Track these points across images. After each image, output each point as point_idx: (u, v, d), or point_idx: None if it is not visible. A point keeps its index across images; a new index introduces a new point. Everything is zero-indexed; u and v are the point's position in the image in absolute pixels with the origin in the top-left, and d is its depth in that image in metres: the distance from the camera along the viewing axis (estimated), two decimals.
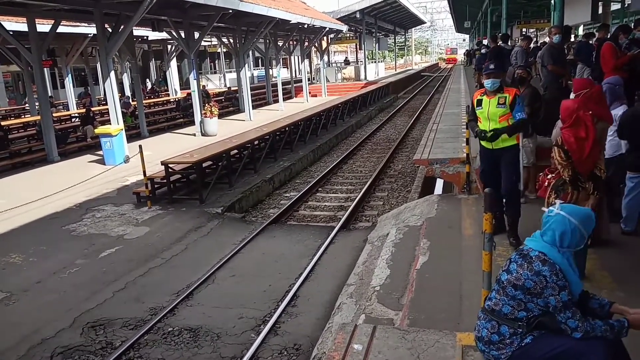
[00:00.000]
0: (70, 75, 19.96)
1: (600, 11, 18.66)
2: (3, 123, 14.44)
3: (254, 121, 17.78)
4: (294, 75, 32.05)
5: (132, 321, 5.22)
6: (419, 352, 2.57)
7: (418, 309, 4.18)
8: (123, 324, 5.17)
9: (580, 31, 25.82)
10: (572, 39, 20.22)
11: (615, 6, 21.10)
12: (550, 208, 2.50)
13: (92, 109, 17.37)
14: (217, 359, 4.55)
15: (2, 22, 12.79)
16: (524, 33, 23.15)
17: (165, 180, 8.96)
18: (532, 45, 11.96)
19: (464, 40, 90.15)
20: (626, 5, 19.79)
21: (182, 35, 15.68)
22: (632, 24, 9.84)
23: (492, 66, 5.13)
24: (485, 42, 23.78)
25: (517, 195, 5.26)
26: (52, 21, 13.53)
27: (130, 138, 14.78)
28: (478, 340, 2.54)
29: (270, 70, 27.21)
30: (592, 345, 2.32)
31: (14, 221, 7.94)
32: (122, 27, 11.79)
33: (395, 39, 61.38)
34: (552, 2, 8.97)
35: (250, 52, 34.47)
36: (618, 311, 2.49)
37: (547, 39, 10.26)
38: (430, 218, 6.45)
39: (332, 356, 2.61)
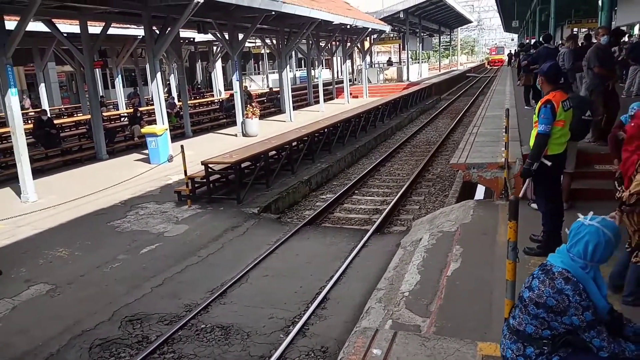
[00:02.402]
0: (120, 75, 20.77)
1: None
2: (56, 121, 15.21)
3: (294, 122, 17.96)
4: (335, 76, 32.10)
5: (168, 317, 5.40)
6: None
7: (446, 317, 4.15)
8: (159, 319, 5.36)
9: (636, 30, 24.66)
10: (626, 40, 19.35)
11: None
12: (579, 220, 2.41)
13: (140, 108, 18.02)
14: (246, 358, 4.65)
15: (57, 25, 13.49)
16: (573, 32, 22.27)
17: (205, 180, 9.20)
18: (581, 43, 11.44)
19: (512, 40, 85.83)
20: None
21: (226, 36, 16.06)
22: None
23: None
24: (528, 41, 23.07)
25: (543, 204, 5.08)
26: (103, 23, 14.13)
27: (175, 138, 15.27)
28: (504, 359, 2.49)
29: (312, 71, 27.40)
30: None
31: (63, 216, 8.36)
32: (169, 29, 12.21)
33: (440, 39, 60.43)
34: (600, 2, 8.61)
35: (293, 53, 34.80)
36: None
37: (594, 40, 9.87)
38: (465, 224, 6.35)
39: (350, 359, 2.63)
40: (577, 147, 7.17)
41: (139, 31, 18.66)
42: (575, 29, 29.04)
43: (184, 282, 6.17)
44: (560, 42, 19.73)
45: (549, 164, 4.83)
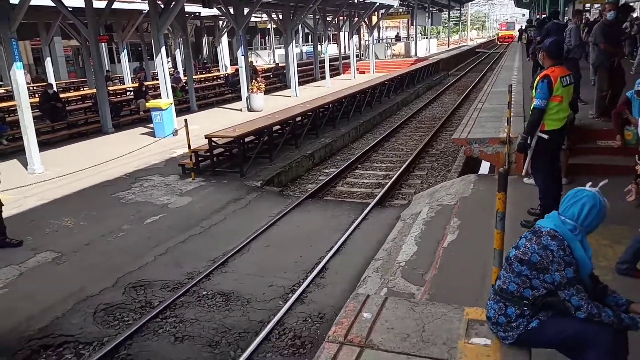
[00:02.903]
0: (125, 50, 20.72)
1: None
2: (62, 95, 15.27)
3: (299, 97, 17.91)
4: (342, 51, 31.78)
5: (171, 284, 5.55)
6: (424, 323, 2.64)
7: (439, 286, 4.25)
8: (162, 286, 5.51)
9: None
10: (638, 15, 18.97)
11: None
12: (582, 188, 2.47)
13: (146, 83, 18.02)
14: (246, 322, 4.79)
15: None
16: (576, 9, 21.79)
17: (208, 154, 9.28)
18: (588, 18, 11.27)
19: (523, 15, 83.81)
20: None
21: (232, 11, 15.93)
22: None
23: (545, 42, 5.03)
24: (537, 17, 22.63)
25: (540, 179, 5.11)
26: None
27: (180, 112, 15.31)
28: (487, 319, 2.56)
29: (319, 46, 27.16)
30: (600, 332, 2.28)
31: (69, 187, 8.49)
32: (173, 3, 12.10)
33: (449, 14, 59.44)
34: None
35: (300, 28, 34.45)
36: (636, 311, 2.41)
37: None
38: (464, 197, 6.41)
39: (341, 322, 2.73)
40: (581, 123, 7.17)
41: (144, 5, 18.53)
42: (588, 5, 28.45)
43: (187, 252, 6.30)
44: (568, 18, 19.38)
45: (546, 137, 4.84)
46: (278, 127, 11.15)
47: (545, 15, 22.36)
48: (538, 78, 4.80)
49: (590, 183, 2.50)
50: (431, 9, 45.15)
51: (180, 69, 22.18)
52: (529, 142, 4.86)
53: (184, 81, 18.32)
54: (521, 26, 44.79)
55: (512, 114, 7.25)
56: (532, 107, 4.85)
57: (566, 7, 22.70)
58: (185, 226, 7.05)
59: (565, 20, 14.09)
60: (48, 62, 18.84)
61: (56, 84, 17.78)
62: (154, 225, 7.08)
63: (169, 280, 5.62)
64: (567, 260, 2.30)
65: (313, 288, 5.36)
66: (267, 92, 18.45)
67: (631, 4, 16.04)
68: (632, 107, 6.57)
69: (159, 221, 7.23)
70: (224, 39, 27.60)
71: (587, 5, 27.93)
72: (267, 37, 41.57)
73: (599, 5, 29.63)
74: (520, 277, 2.40)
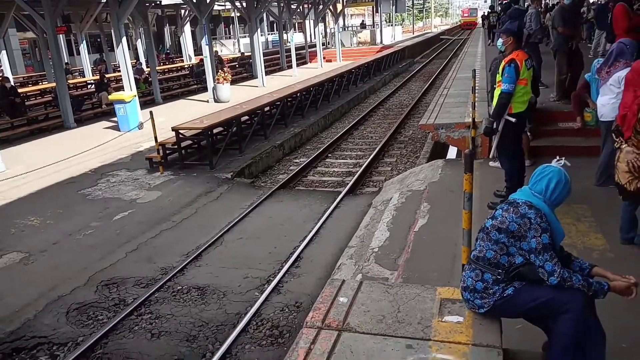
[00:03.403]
0: (84, 41, 20.09)
1: None
2: (20, 90, 14.74)
3: (266, 87, 17.79)
4: (308, 40, 31.64)
5: (144, 280, 5.50)
6: (399, 304, 2.71)
7: (412, 269, 4.35)
8: (135, 283, 5.45)
9: None
10: (594, 0, 19.55)
11: None
12: (548, 164, 2.58)
13: (107, 75, 17.56)
14: (223, 315, 4.80)
15: None
16: None
17: (176, 147, 9.15)
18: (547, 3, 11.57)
19: (485, 1, 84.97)
20: None
21: None
22: None
23: (503, 27, 5.16)
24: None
25: (506, 161, 5.27)
26: None
27: (145, 104, 15.01)
28: (463, 290, 2.64)
29: (284, 34, 26.95)
30: (570, 297, 2.41)
31: (32, 186, 8.24)
32: None
33: (413, 1, 59.81)
34: None
35: (265, 17, 34.08)
36: (598, 274, 2.57)
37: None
38: (433, 182, 6.54)
39: (318, 307, 2.77)
40: (543, 106, 7.40)
41: None
42: None
43: (159, 247, 6.24)
44: (528, 3, 19.81)
45: (514, 120, 4.98)
46: (246, 117, 11.07)
47: (506, 1, 22.80)
48: (504, 63, 4.90)
49: (557, 158, 2.61)
50: None
51: (142, 59, 21.69)
52: (495, 126, 4.98)
53: (147, 72, 17.91)
54: (484, 12, 45.42)
55: (476, 98, 7.41)
56: (499, 92, 4.96)
57: None
58: (155, 221, 6.97)
59: (525, 5, 14.40)
60: (3, 56, 18.06)
61: (13, 78, 17.13)
62: (123, 221, 6.97)
63: (142, 276, 5.56)
64: (544, 227, 2.43)
65: (289, 278, 5.41)
66: (233, 82, 18.24)
67: None
68: (591, 89, 6.83)
69: (128, 217, 7.11)
70: (187, 29, 27.05)
71: None
72: (231, 26, 40.96)
73: None
74: (497, 244, 2.51)
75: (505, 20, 12.33)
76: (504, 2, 23.09)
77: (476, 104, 7.29)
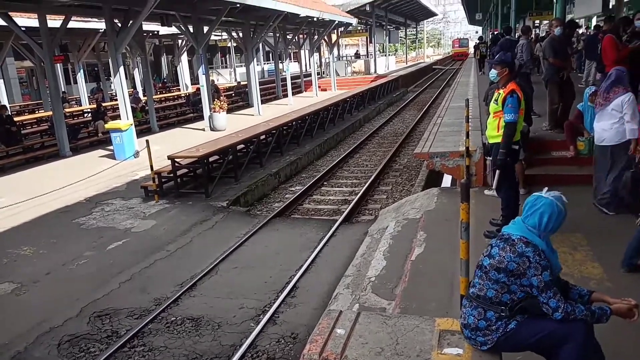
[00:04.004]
0: (82, 70, 20.28)
1: (613, 2, 18.42)
2: (16, 119, 14.77)
3: (262, 116, 17.93)
4: (303, 69, 32.09)
5: (137, 311, 5.41)
6: (398, 336, 2.68)
7: (410, 299, 4.31)
8: (128, 314, 5.36)
9: (594, 22, 25.52)
10: (584, 31, 20.03)
11: None
12: (538, 194, 2.59)
13: (104, 104, 17.66)
14: (217, 347, 4.71)
15: (14, 19, 13.07)
16: (525, 25, 22.79)
17: (172, 175, 9.14)
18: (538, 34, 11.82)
19: (476, 32, 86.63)
20: None
21: (191, 29, 15.88)
22: (632, 16, 9.73)
23: (495, 58, 5.27)
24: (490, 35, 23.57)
25: (503, 189, 5.28)
26: (63, 17, 13.75)
27: (141, 133, 15.04)
28: (464, 327, 2.62)
29: (280, 64, 27.31)
30: (573, 327, 2.41)
31: (26, 215, 8.18)
32: (130, 22, 11.99)
33: (406, 31, 61.04)
34: None
35: (261, 47, 34.59)
36: (598, 300, 2.58)
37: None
38: (429, 211, 6.55)
39: (315, 339, 2.74)
40: (536, 135, 7.51)
41: (100, 24, 18.22)
42: (537, 21, 29.82)
43: (153, 277, 6.17)
44: (519, 34, 20.27)
45: (517, 147, 5.08)
46: (242, 146, 11.12)
47: (498, 32, 23.35)
48: (504, 93, 4.96)
49: (546, 189, 2.62)
50: (388, 27, 46.28)
51: (139, 88, 21.86)
52: (495, 156, 5.04)
53: (143, 101, 18.04)
54: (475, 43, 46.27)
55: (470, 127, 7.49)
56: (497, 123, 5.03)
57: (517, 23, 23.72)
58: (150, 250, 6.90)
59: (516, 36, 14.72)
60: (1, 84, 18.18)
61: (10, 106, 17.18)
62: (117, 251, 6.90)
63: (136, 307, 5.48)
64: (544, 265, 2.43)
65: (284, 308, 5.34)
66: (229, 111, 18.39)
67: (577, 21, 16.92)
68: (584, 118, 6.94)
69: (122, 246, 7.05)
70: (184, 58, 27.41)
71: (537, 21, 29.30)
72: (227, 56, 41.51)
73: (546, 21, 31.12)
74: (498, 283, 2.49)
75: (497, 51, 12.62)
76: (495, 32, 23.67)
77: (470, 132, 7.38)
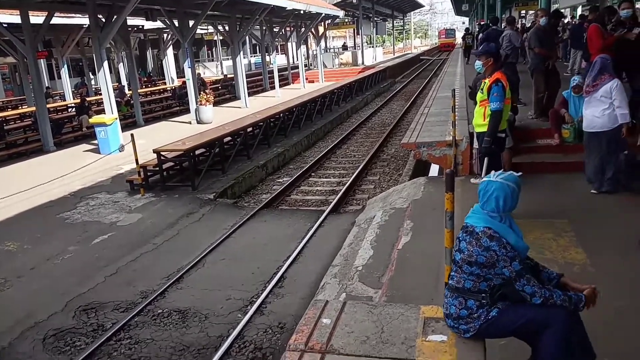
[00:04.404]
0: (65, 65, 19.98)
1: None
2: None
3: (249, 108, 17.83)
4: (291, 61, 31.93)
5: (123, 304, 5.37)
6: (383, 324, 2.68)
7: (396, 287, 4.32)
8: (114, 307, 5.32)
9: (579, 12, 25.68)
10: (569, 20, 20.15)
11: None
12: (484, 179, 2.59)
13: (88, 98, 17.44)
14: (204, 338, 4.70)
15: None
16: (511, 16, 22.90)
17: (157, 168, 9.06)
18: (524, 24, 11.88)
19: (463, 23, 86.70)
20: None
21: (176, 24, 15.70)
22: (617, 5, 9.80)
23: (479, 49, 5.30)
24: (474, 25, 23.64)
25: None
26: (46, 13, 13.52)
27: (126, 127, 14.90)
28: (447, 317, 2.63)
29: (267, 56, 27.14)
30: (554, 313, 2.43)
31: (9, 210, 8.06)
32: (114, 17, 11.81)
33: (393, 23, 60.95)
34: None
35: (248, 40, 34.36)
36: (565, 284, 2.59)
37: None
38: (415, 200, 6.56)
39: (301, 329, 2.72)
40: (522, 124, 7.55)
41: (84, 20, 17.93)
42: (523, 11, 29.97)
43: (139, 270, 6.12)
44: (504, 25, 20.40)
45: (504, 135, 5.10)
46: (229, 138, 11.05)
47: (484, 23, 23.47)
48: (489, 82, 5.00)
49: (493, 172, 2.62)
50: (375, 18, 46.14)
51: (124, 82, 21.62)
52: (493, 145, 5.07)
53: (129, 95, 17.84)
54: (463, 33, 46.30)
55: (456, 117, 7.50)
56: (483, 111, 5.06)
57: (503, 14, 23.80)
58: (136, 244, 6.84)
59: (502, 27, 14.77)
60: None
61: None
62: (102, 245, 6.83)
63: (122, 300, 5.43)
64: (511, 256, 2.43)
65: (272, 298, 5.33)
66: (216, 103, 18.26)
67: (561, 11, 17.01)
68: (569, 105, 6.99)
69: (107, 240, 6.98)
70: (170, 52, 27.13)
71: (523, 11, 29.43)
72: (214, 49, 41.16)
73: (532, 11, 31.26)
74: (473, 275, 2.50)
75: (483, 41, 12.67)
76: (481, 23, 23.75)
77: (456, 122, 7.39)
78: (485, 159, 5.27)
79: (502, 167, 5.53)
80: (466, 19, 67.73)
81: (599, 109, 5.42)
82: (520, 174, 2.59)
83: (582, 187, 5.93)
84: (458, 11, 60.15)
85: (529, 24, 20.53)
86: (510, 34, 10.05)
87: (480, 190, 2.58)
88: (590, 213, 5.31)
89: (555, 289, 2.48)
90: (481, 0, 31.73)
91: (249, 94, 20.16)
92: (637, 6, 10.31)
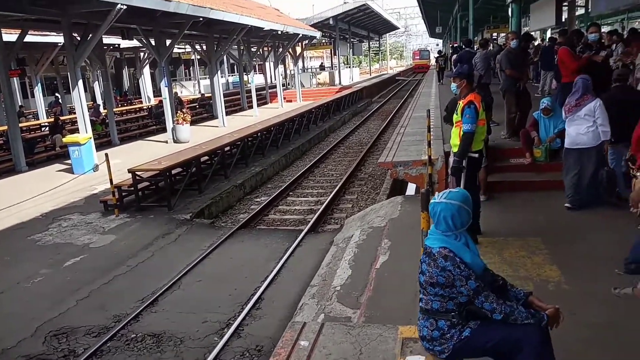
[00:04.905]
0: (39, 84, 19.67)
1: (565, 16, 19.26)
2: None
3: (227, 127, 17.78)
4: (269, 81, 32.08)
5: (96, 329, 5.21)
6: (361, 346, 2.67)
7: (375, 307, 4.30)
8: (86, 332, 5.16)
9: (549, 34, 26.56)
10: (540, 43, 20.82)
11: (580, 11, 21.77)
12: (432, 200, 2.63)
13: (62, 117, 17.17)
14: None
15: None
16: (483, 38, 23.64)
17: (132, 188, 8.92)
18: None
19: (437, 44, 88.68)
20: (590, 9, 20.45)
21: (153, 43, 15.65)
22: (585, 29, 10.20)
23: (454, 71, 5.43)
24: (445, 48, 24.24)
25: None
26: (19, 31, 13.34)
27: (101, 146, 14.69)
28: (422, 339, 2.63)
29: (245, 76, 27.22)
30: (527, 333, 2.44)
31: None
32: (90, 35, 11.71)
33: (369, 44, 61.91)
34: (510, 9, 9.25)
35: (225, 59, 34.40)
36: (532, 303, 2.60)
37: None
38: (393, 219, 6.59)
39: (279, 352, 2.70)
40: (495, 143, 7.70)
41: (59, 38, 17.77)
42: (495, 34, 30.85)
43: (112, 293, 5.97)
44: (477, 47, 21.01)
45: (477, 156, 5.18)
46: (206, 157, 10.98)
47: (457, 44, 24.13)
48: (462, 104, 5.09)
49: (439, 194, 2.66)
50: (352, 39, 46.88)
51: (99, 101, 21.37)
52: (463, 165, 5.14)
53: (104, 114, 17.62)
54: (435, 56, 47.15)
55: (432, 137, 7.62)
56: (457, 131, 5.14)
57: (475, 36, 24.46)
58: (109, 266, 6.69)
59: (475, 49, 15.17)
60: None
61: None
62: (75, 268, 6.66)
63: (94, 325, 5.28)
64: (466, 275, 2.47)
65: (249, 320, 5.25)
66: (193, 122, 18.16)
67: (531, 33, 17.57)
68: (539, 126, 7.19)
69: (80, 263, 6.81)
70: (146, 70, 27.01)
71: (494, 34, 30.29)
72: (191, 68, 41.09)
73: (503, 34, 32.19)
74: (437, 296, 2.53)
75: (456, 62, 12.98)
76: (454, 45, 24.38)
77: (432, 141, 7.50)
78: (463, 175, 5.34)
79: (477, 185, 5.61)
80: (440, 41, 69.19)
81: (583, 126, 5.67)
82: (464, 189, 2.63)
83: (555, 205, 6.06)
84: (432, 33, 61.47)
85: (495, 49, 21.15)
86: (480, 55, 10.33)
87: (429, 212, 2.62)
88: (563, 230, 5.41)
89: (518, 307, 2.50)
90: (454, 23, 32.54)
91: (227, 113, 20.13)
92: (602, 30, 10.74)
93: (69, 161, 12.11)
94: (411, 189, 10.38)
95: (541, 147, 7.09)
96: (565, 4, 18.51)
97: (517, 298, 2.63)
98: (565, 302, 3.49)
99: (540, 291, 3.96)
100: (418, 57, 59.70)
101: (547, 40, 18.70)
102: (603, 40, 10.08)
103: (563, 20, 18.70)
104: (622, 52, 8.28)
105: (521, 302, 2.60)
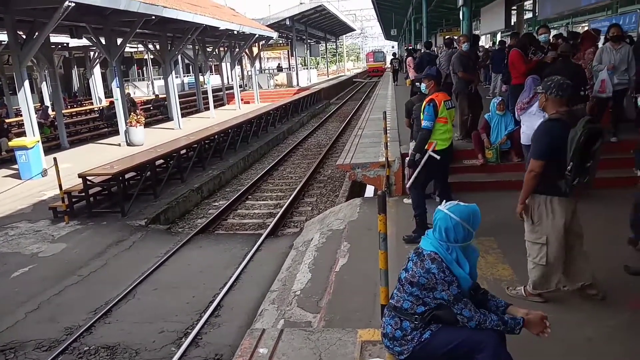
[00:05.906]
0: None
1: (514, 20, 20.00)
2: None
3: (183, 129, 17.43)
4: (225, 82, 31.69)
5: (46, 342, 4.99)
6: (321, 351, 2.68)
7: (334, 310, 4.31)
8: (36, 346, 4.94)
9: (499, 38, 27.47)
10: (490, 45, 21.51)
11: (528, 14, 22.63)
12: (439, 207, 2.67)
13: (8, 120, 16.39)
14: None
15: None
16: (448, 37, 24.20)
17: (83, 194, 8.61)
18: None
19: (392, 47, 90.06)
20: (537, 13, 21.33)
21: (103, 41, 15.16)
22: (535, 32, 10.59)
23: (424, 73, 5.59)
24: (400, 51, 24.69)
25: (414, 191, 5.52)
26: None
27: (50, 150, 14.09)
28: (384, 336, 2.66)
29: (200, 77, 26.77)
30: (484, 336, 2.51)
31: None
32: (36, 34, 11.23)
33: (326, 45, 62.23)
34: (461, 13, 9.51)
35: (180, 59, 33.76)
36: (512, 313, 2.66)
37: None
38: (352, 221, 6.64)
39: None
40: None
41: (2, 36, 16.94)
42: (448, 36, 31.62)
43: (63, 305, 5.73)
44: (435, 48, 21.58)
45: (438, 157, 5.30)
46: (162, 161, 10.73)
47: (411, 47, 24.66)
48: (425, 103, 5.26)
49: (444, 202, 2.70)
50: (309, 41, 47.01)
51: (48, 103, 20.51)
52: (417, 158, 5.28)
53: (52, 116, 16.93)
54: (390, 59, 47.33)
55: (388, 138, 7.73)
56: (421, 128, 5.31)
57: (429, 39, 24.99)
58: (60, 276, 6.42)
59: (436, 51, 15.53)
60: None
61: None
62: (22, 278, 6.36)
63: (44, 338, 5.05)
64: (449, 280, 2.50)
65: (208, 329, 5.16)
66: (147, 125, 17.72)
67: (480, 36, 18.14)
68: (491, 127, 7.42)
69: (28, 273, 6.51)
70: (97, 70, 26.14)
71: (447, 37, 31.02)
72: (144, 68, 40.05)
73: (456, 37, 33.05)
74: (412, 296, 2.56)
75: (418, 64, 13.25)
76: (409, 47, 24.87)
77: (389, 143, 7.60)
78: (415, 172, 5.45)
79: (424, 183, 5.70)
80: (395, 43, 70.24)
81: (536, 122, 5.81)
82: (472, 205, 2.60)
83: (506, 205, 6.22)
84: (387, 36, 62.32)
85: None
86: (442, 56, 10.58)
87: (433, 216, 2.65)
88: (514, 229, 5.58)
89: (490, 314, 2.56)
90: (408, 25, 33.15)
91: (183, 115, 19.76)
92: (552, 33, 11.18)
93: (15, 166, 11.57)
94: (370, 190, 10.50)
95: (492, 149, 7.32)
96: (514, 8, 19.22)
97: (497, 307, 2.68)
98: (516, 301, 3.62)
99: (495, 289, 4.07)
100: (372, 60, 54.66)
101: (498, 43, 19.35)
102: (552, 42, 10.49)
103: (512, 23, 19.42)
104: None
105: (501, 311, 2.65)
